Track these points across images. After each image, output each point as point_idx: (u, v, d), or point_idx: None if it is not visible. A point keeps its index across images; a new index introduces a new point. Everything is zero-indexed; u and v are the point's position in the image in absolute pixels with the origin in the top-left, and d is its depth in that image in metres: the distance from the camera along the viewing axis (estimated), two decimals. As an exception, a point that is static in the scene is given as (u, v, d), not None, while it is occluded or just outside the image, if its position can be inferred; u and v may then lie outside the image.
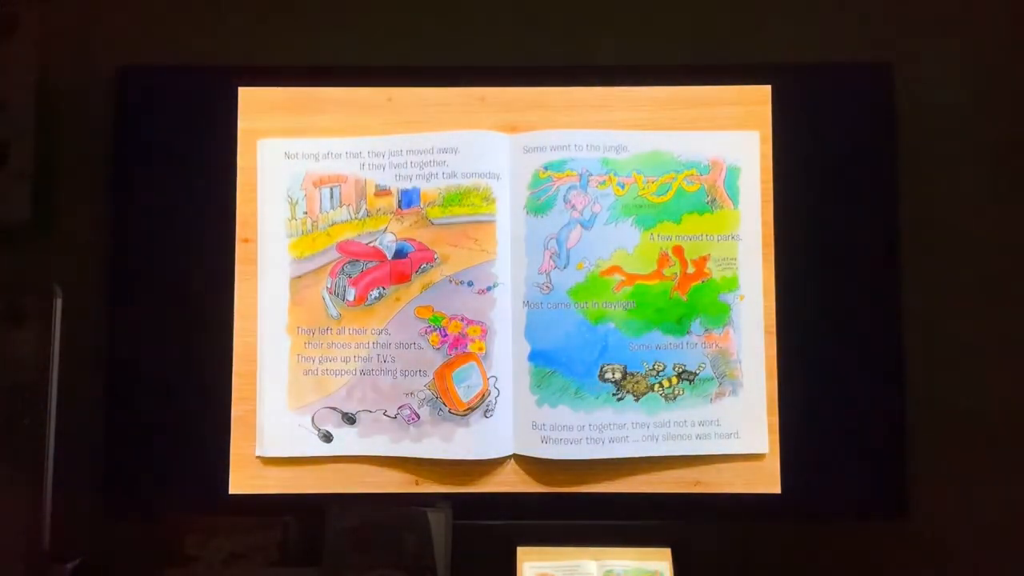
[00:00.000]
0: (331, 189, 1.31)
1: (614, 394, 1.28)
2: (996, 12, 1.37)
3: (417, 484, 1.29)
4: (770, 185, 1.30)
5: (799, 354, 1.29)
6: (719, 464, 1.29)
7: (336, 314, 1.29)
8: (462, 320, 1.28)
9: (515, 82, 1.32)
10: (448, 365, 1.27)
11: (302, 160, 1.31)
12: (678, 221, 1.30)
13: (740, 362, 1.29)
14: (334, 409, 1.29)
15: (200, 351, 1.29)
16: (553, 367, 1.27)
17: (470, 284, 1.28)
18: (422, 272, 1.29)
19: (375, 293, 1.29)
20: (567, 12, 1.37)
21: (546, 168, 1.29)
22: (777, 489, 1.28)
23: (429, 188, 1.30)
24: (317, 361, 1.29)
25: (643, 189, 1.30)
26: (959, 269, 1.34)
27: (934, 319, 1.32)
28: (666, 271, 1.29)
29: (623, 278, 1.29)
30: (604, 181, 1.30)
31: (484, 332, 1.28)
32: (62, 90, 1.35)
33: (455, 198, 1.29)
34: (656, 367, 1.28)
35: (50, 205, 1.34)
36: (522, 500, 1.29)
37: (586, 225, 1.29)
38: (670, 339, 1.29)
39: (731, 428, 1.28)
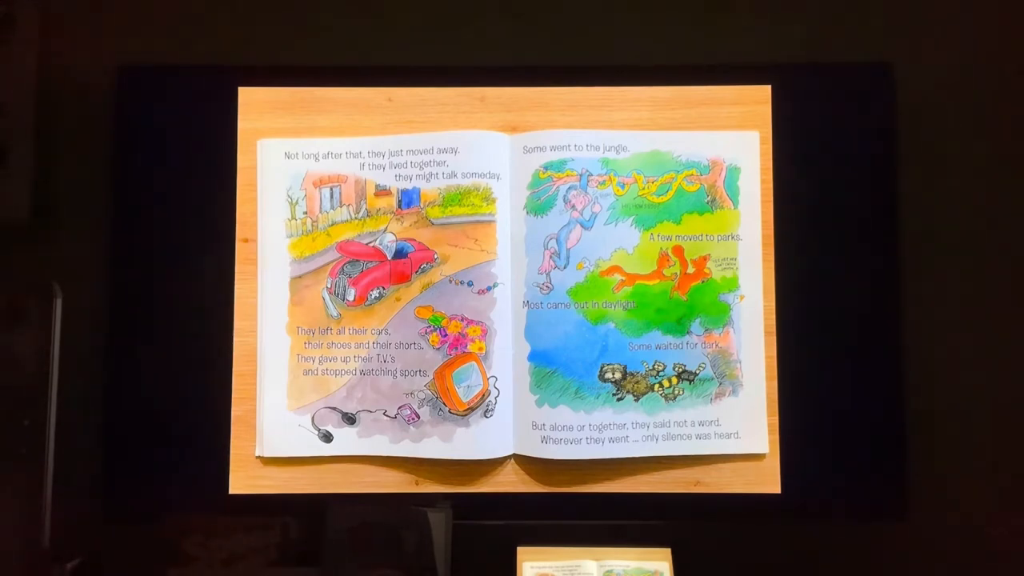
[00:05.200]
0: (331, 189, 1.31)
1: (614, 394, 1.28)
2: (996, 12, 1.37)
3: (417, 484, 1.29)
4: (770, 185, 1.30)
5: (799, 354, 1.29)
6: (719, 464, 1.29)
7: (336, 314, 1.29)
8: (462, 320, 1.28)
9: (515, 82, 1.32)
10: (448, 365, 1.27)
11: (302, 160, 1.31)
12: (678, 221, 1.30)
13: (740, 362, 1.29)
14: (334, 409, 1.29)
15: (200, 351, 1.29)
16: (553, 367, 1.27)
17: (470, 284, 1.28)
18: (422, 272, 1.29)
19: (375, 293, 1.29)
20: (567, 12, 1.37)
21: (546, 168, 1.29)
22: (777, 489, 1.28)
23: (429, 188, 1.30)
24: (317, 361, 1.29)
25: (643, 189, 1.30)
26: (959, 270, 1.34)
27: (934, 320, 1.32)
28: (666, 271, 1.29)
29: (623, 278, 1.29)
30: (604, 181, 1.30)
31: (484, 332, 1.28)
32: (62, 90, 1.35)
33: (455, 198, 1.29)
34: (656, 367, 1.28)
35: (50, 205, 1.34)
36: (522, 500, 1.29)
37: (586, 225, 1.29)
38: (670, 339, 1.29)
39: (731, 428, 1.28)
